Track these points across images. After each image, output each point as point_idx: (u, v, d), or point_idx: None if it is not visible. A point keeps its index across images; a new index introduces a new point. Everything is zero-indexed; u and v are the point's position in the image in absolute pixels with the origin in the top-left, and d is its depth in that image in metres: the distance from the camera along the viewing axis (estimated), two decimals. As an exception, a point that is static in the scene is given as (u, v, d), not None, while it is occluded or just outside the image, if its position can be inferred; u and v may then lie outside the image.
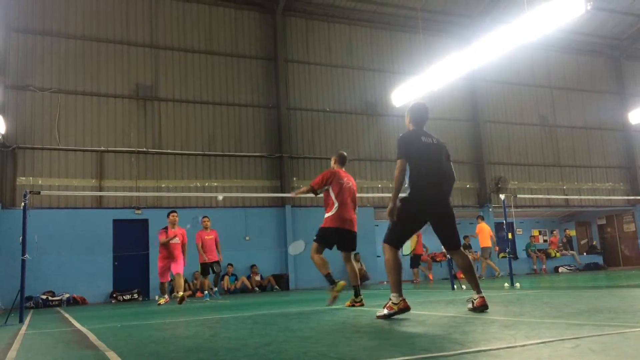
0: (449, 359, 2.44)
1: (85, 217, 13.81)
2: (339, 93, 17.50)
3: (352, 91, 17.65)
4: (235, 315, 6.43)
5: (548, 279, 13.14)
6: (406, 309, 4.44)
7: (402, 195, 4.63)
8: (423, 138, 4.92)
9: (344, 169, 6.84)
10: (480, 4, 18.46)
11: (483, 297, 4.61)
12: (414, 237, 15.68)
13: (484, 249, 15.88)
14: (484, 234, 15.77)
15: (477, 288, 4.65)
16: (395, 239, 4.66)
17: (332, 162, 6.95)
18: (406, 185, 4.68)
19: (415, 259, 15.85)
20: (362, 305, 6.18)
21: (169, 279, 10.24)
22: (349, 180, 6.69)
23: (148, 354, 3.38)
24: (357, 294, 6.33)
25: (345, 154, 7.02)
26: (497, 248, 16.57)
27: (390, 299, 4.49)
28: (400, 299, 4.43)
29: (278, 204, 15.87)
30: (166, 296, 10.29)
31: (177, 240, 10.13)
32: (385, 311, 4.45)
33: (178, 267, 9.98)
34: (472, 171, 19.17)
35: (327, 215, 6.49)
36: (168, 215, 10.45)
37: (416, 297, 7.91)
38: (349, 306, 6.21)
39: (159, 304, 9.90)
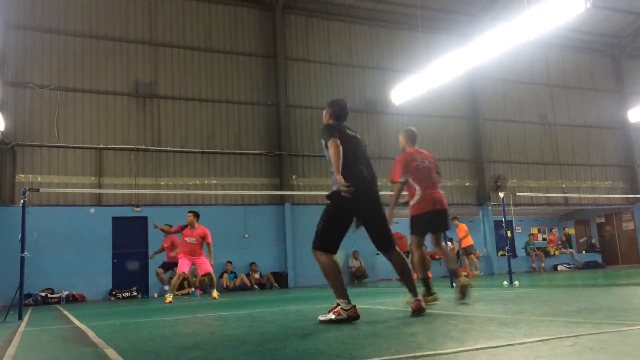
0: (447, 356, 2.44)
1: (85, 214, 13.80)
2: (338, 91, 17.48)
3: (351, 89, 17.64)
4: (234, 312, 6.43)
5: (547, 277, 13.16)
6: (356, 317, 4.17)
7: (332, 189, 4.32)
8: (348, 130, 4.60)
9: (416, 146, 6.06)
10: (480, 2, 18.44)
11: (419, 300, 4.47)
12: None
13: (467, 248, 15.87)
14: (465, 233, 15.86)
15: (413, 291, 4.46)
16: (325, 244, 4.29)
17: (403, 142, 6.13)
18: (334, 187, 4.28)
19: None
20: (436, 300, 5.56)
21: (186, 271, 10.23)
22: (424, 158, 5.92)
23: (147, 351, 3.38)
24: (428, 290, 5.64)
25: (413, 129, 6.23)
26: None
27: (338, 304, 4.21)
28: (351, 306, 4.18)
29: (277, 202, 15.86)
30: (171, 294, 9.98)
31: (194, 240, 10.17)
32: (332, 316, 4.18)
33: (207, 267, 10.19)
34: (471, 169, 19.18)
35: (412, 202, 5.79)
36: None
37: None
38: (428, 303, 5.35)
39: (167, 302, 9.46)
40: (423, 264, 5.81)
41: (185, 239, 10.24)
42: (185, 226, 10.33)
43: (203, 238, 10.24)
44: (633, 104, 20.57)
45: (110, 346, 3.56)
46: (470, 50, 13.18)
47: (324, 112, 4.82)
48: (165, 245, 12.59)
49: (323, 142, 4.45)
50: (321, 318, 4.30)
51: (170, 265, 12.01)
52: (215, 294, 10.30)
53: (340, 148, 4.27)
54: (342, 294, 4.22)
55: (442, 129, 18.62)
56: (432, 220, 5.72)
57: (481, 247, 18.80)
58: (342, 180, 4.12)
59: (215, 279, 10.63)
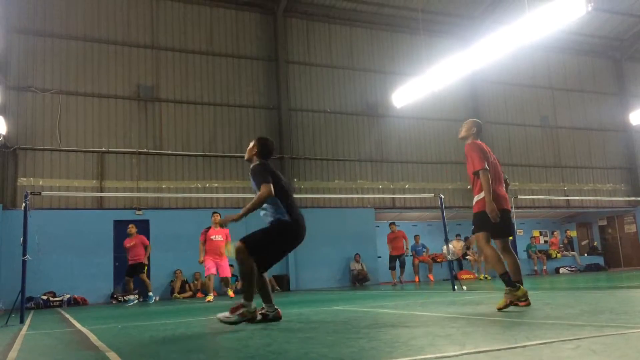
0: (449, 359, 2.44)
1: (86, 218, 13.81)
2: (339, 94, 17.50)
3: (352, 92, 17.65)
4: (236, 316, 6.41)
5: (549, 280, 13.13)
6: (254, 319, 4.64)
7: (279, 218, 4.77)
8: (276, 171, 4.98)
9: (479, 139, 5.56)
10: (481, 5, 18.46)
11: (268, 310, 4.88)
12: None
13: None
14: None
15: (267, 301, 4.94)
16: (263, 262, 4.75)
17: (468, 131, 5.59)
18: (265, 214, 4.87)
19: (392, 260, 15.57)
20: (528, 304, 4.97)
21: (214, 272, 10.87)
22: (490, 152, 5.51)
23: (149, 354, 3.38)
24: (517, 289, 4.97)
25: (481, 122, 5.72)
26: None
27: (243, 305, 4.60)
28: (254, 307, 4.62)
29: (279, 205, 15.82)
30: (211, 295, 10.83)
31: (219, 237, 10.89)
32: (234, 317, 4.56)
33: (227, 271, 11.00)
34: (472, 172, 19.13)
35: (478, 197, 5.26)
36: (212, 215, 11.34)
37: (417, 298, 7.91)
38: (509, 305, 4.88)
39: (207, 301, 10.47)
40: (498, 259, 5.11)
41: (212, 237, 10.90)
42: (209, 227, 11.04)
43: (227, 236, 10.99)
44: (634, 107, 20.56)
45: (112, 349, 3.56)
46: (471, 54, 13.19)
47: (251, 145, 5.07)
48: (127, 246, 12.03)
49: (254, 183, 4.80)
50: (220, 316, 4.66)
51: (133, 269, 11.90)
52: (230, 292, 11.17)
53: (267, 199, 4.67)
54: (251, 297, 4.66)
55: (444, 132, 18.60)
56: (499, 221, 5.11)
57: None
58: (239, 217, 4.64)
59: (230, 281, 11.33)
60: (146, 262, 12.09)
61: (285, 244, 4.82)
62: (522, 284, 4.98)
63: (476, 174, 5.26)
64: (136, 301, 12.09)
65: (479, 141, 5.51)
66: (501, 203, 5.17)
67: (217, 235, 10.90)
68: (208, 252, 10.83)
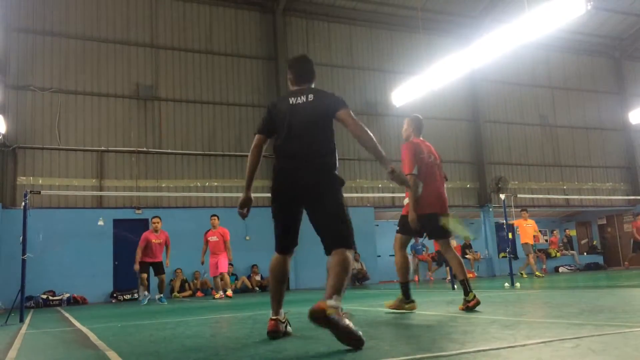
0: (449, 359, 2.44)
1: (86, 216, 13.81)
2: (339, 93, 17.04)
3: (352, 91, 17.64)
4: (235, 315, 6.43)
5: (548, 279, 13.14)
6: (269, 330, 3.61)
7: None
8: (290, 99, 3.78)
9: (421, 137, 5.37)
10: (481, 4, 18.45)
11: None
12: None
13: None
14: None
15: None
16: (277, 245, 3.79)
17: (406, 132, 5.46)
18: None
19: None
20: (478, 302, 4.77)
21: (217, 273, 11.45)
22: (431, 153, 5.28)
23: (148, 353, 3.38)
24: (467, 292, 4.83)
25: (421, 117, 5.55)
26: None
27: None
28: (275, 317, 3.64)
29: (278, 204, 15.82)
30: (220, 292, 11.28)
31: (215, 238, 11.41)
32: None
33: (224, 266, 11.37)
34: (472, 171, 19.17)
35: (406, 201, 5.23)
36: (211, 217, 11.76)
37: (417, 297, 7.91)
38: (463, 309, 4.79)
39: (215, 298, 11.17)
40: (402, 267, 5.15)
41: (209, 238, 11.47)
42: (208, 230, 11.55)
43: (222, 236, 11.41)
44: (634, 106, 20.54)
45: (112, 348, 3.56)
46: (471, 53, 13.18)
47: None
48: (155, 241, 11.18)
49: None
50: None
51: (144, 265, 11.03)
52: (228, 292, 11.37)
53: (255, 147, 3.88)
54: (271, 302, 3.72)
55: (443, 131, 18.61)
56: (427, 224, 5.05)
57: (482, 249, 18.79)
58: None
59: (229, 280, 11.67)
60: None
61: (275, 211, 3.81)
62: (468, 284, 4.83)
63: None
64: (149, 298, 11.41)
65: (416, 139, 5.33)
66: (433, 206, 5.06)
67: (214, 237, 11.46)
68: (211, 251, 11.49)
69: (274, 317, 3.62)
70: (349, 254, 3.33)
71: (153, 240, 10.93)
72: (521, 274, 14.06)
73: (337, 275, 3.20)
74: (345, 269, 3.25)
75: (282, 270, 3.71)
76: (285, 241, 3.73)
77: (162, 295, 11.15)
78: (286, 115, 3.68)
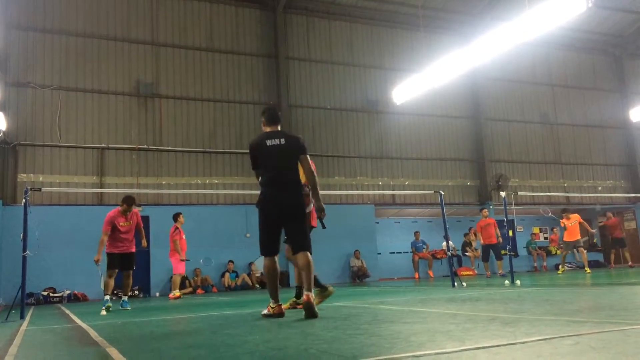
0: (449, 356, 2.45)
1: (86, 214, 13.81)
2: (339, 90, 17.48)
3: (353, 88, 17.63)
4: (236, 312, 6.44)
5: (548, 277, 13.15)
6: (280, 314, 4.84)
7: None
8: (267, 141, 4.99)
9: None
10: (481, 2, 18.42)
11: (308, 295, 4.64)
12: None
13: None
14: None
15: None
16: (263, 249, 4.95)
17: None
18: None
19: (486, 250, 14.58)
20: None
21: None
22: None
23: (149, 350, 3.39)
24: (298, 296, 5.63)
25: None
26: None
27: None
28: (276, 305, 4.87)
29: (279, 201, 15.82)
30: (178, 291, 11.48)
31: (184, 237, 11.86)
32: (266, 311, 4.98)
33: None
34: (472, 169, 19.17)
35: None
36: (178, 216, 11.85)
37: (416, 295, 7.93)
38: (289, 308, 5.56)
39: (176, 297, 11.18)
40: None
41: (184, 236, 11.79)
42: (177, 228, 11.69)
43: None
44: (635, 103, 20.53)
45: (112, 345, 3.56)
46: (471, 50, 13.17)
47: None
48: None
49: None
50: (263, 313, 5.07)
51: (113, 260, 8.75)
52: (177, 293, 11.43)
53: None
54: (271, 295, 4.94)
55: (444, 128, 18.61)
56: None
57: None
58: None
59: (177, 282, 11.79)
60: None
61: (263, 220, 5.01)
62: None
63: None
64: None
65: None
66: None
67: (183, 235, 11.91)
68: (183, 251, 11.73)
69: (278, 304, 4.91)
70: (310, 256, 4.85)
71: (121, 223, 8.45)
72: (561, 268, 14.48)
73: (308, 275, 4.75)
74: (311, 269, 4.78)
75: (275, 269, 4.99)
76: (273, 245, 4.95)
77: (125, 297, 8.63)
78: (266, 156, 4.95)
